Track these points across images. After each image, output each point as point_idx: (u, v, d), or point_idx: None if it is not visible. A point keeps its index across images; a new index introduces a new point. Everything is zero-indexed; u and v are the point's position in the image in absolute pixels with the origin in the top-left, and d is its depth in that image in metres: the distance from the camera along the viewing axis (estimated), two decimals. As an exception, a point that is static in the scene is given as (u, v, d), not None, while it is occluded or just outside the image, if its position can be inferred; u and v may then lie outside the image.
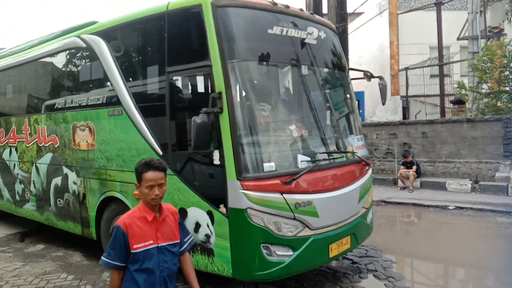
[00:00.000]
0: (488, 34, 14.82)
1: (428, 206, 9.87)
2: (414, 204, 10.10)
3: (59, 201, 6.49)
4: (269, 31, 4.49)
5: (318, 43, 5.03)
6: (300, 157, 4.43)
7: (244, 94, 4.37)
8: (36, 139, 6.88)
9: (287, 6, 4.76)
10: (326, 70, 5.36)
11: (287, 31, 4.61)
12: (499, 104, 12.92)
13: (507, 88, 13.25)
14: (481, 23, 14.24)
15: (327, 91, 5.31)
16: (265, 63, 4.66)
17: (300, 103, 5.08)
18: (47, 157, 6.67)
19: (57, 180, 6.48)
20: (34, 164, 7.00)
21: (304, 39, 4.83)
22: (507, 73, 13.05)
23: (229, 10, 4.31)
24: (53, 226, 6.81)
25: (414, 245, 7.41)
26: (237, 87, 4.21)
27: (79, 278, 5.47)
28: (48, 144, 6.62)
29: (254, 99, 4.51)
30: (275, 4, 4.64)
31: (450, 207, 9.57)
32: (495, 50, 13.18)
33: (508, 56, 12.80)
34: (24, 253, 6.70)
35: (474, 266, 6.21)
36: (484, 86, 13.53)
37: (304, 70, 5.01)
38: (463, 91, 13.94)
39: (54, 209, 6.63)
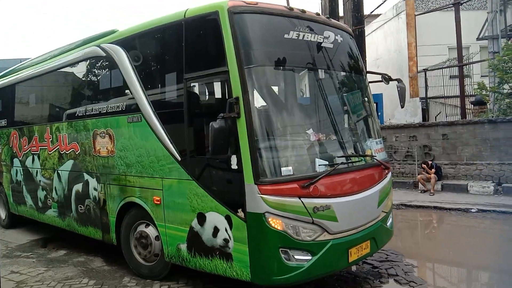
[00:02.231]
0: (508, 33, 14.47)
1: (449, 209, 9.69)
2: (435, 208, 9.93)
3: (80, 207, 6.60)
4: (286, 36, 4.50)
5: (335, 47, 5.02)
6: (318, 161, 4.41)
7: (261, 99, 4.38)
8: (58, 147, 7.03)
9: (303, 11, 4.77)
10: (343, 73, 5.34)
11: (303, 36, 4.62)
12: (521, 104, 12.63)
13: (530, 88, 12.96)
14: (501, 22, 13.95)
15: (345, 94, 5.28)
16: (281, 67, 4.67)
17: (318, 107, 5.07)
18: (68, 164, 6.80)
19: (78, 187, 6.60)
20: (56, 171, 7.14)
21: (320, 43, 4.82)
22: (529, 72, 12.77)
23: (246, 16, 4.34)
24: (74, 232, 6.93)
25: (436, 249, 7.28)
26: (254, 92, 4.22)
27: (100, 283, 5.54)
28: (69, 151, 6.75)
29: (271, 104, 4.52)
30: (291, 9, 4.66)
31: (472, 210, 9.38)
32: (516, 50, 12.90)
33: (529, 55, 12.52)
34: (46, 258, 6.83)
35: (498, 270, 6.07)
36: (506, 86, 13.24)
37: (321, 74, 5.00)
38: (484, 92, 13.68)
39: (75, 215, 6.75)
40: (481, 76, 16.53)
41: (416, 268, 6.01)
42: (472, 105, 15.47)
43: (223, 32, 4.25)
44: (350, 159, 4.85)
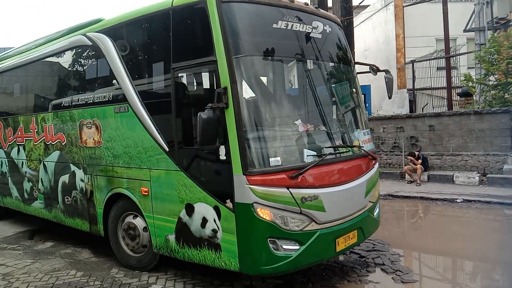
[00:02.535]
0: (495, 25, 14.66)
1: (435, 199, 9.82)
2: (421, 198, 10.06)
3: (67, 198, 6.54)
4: (274, 25, 4.47)
5: (323, 37, 5.00)
6: (306, 152, 4.42)
7: (249, 89, 4.36)
8: (44, 137, 6.93)
9: (292, 1, 4.73)
10: (331, 64, 5.33)
11: (292, 26, 4.60)
12: (506, 96, 12.78)
13: (515, 80, 13.13)
14: (488, 15, 14.10)
15: (333, 85, 5.28)
16: (270, 57, 4.65)
17: (306, 97, 5.07)
18: (55, 155, 6.72)
19: (65, 178, 6.53)
20: (42, 162, 7.05)
21: (309, 33, 4.80)
22: (514, 64, 12.93)
23: (234, 5, 4.31)
24: (61, 224, 6.87)
25: (422, 239, 7.39)
26: (243, 82, 4.20)
27: (88, 275, 5.51)
28: (55, 142, 6.66)
29: (259, 94, 4.51)
30: (280, -2, 4.62)
31: (458, 200, 9.52)
32: (502, 42, 13.04)
33: (515, 47, 12.68)
34: (33, 250, 6.76)
35: (482, 259, 6.18)
36: (491, 78, 13.40)
37: (310, 64, 4.99)
38: (470, 84, 13.83)
39: (62, 206, 6.69)
40: (468, 67, 16.69)
41: (403, 257, 6.07)
42: (459, 97, 15.63)
43: (211, 21, 4.21)
44: (338, 150, 4.87)
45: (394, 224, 8.58)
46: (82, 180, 6.15)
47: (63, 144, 6.49)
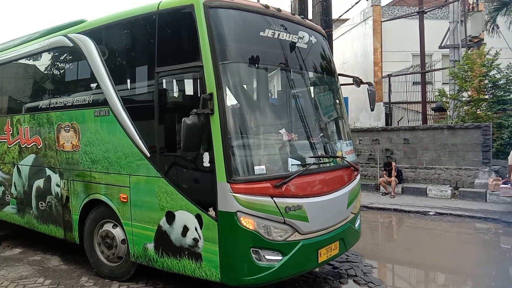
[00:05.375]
0: (468, 43, 15.12)
1: (409, 211, 9.98)
2: (395, 210, 10.20)
3: (41, 203, 6.31)
4: (261, 33, 4.46)
5: (309, 48, 5.03)
6: (291, 161, 4.40)
7: (235, 96, 4.32)
8: (19, 140, 6.69)
9: (279, 10, 4.76)
10: (316, 74, 5.37)
11: (278, 34, 4.60)
12: (478, 112, 13.18)
13: (486, 97, 13.55)
14: (462, 33, 14.53)
15: (317, 95, 5.31)
16: (256, 65, 4.63)
17: (290, 106, 5.07)
18: (30, 158, 6.49)
19: (39, 182, 6.31)
20: (16, 165, 6.80)
21: (295, 43, 4.82)
22: (486, 81, 13.35)
23: (221, 11, 4.28)
24: (34, 230, 6.61)
25: (395, 251, 7.47)
26: (228, 88, 4.16)
27: (56, 283, 5.33)
28: (31, 145, 6.44)
29: (245, 101, 4.47)
30: (267, 7, 4.63)
31: (430, 213, 9.69)
32: (475, 59, 13.46)
33: (487, 65, 13.10)
34: (0, 257, 6.49)
35: (453, 271, 6.28)
36: (464, 94, 13.80)
37: (295, 73, 5.01)
38: (444, 99, 14.18)
39: (35, 212, 6.44)
40: (442, 83, 17.15)
41: (375, 269, 6.12)
42: (433, 111, 16.01)
43: (198, 26, 4.16)
44: (322, 160, 4.87)
45: (368, 235, 8.64)
46: (57, 185, 5.95)
47: (39, 147, 6.28)
